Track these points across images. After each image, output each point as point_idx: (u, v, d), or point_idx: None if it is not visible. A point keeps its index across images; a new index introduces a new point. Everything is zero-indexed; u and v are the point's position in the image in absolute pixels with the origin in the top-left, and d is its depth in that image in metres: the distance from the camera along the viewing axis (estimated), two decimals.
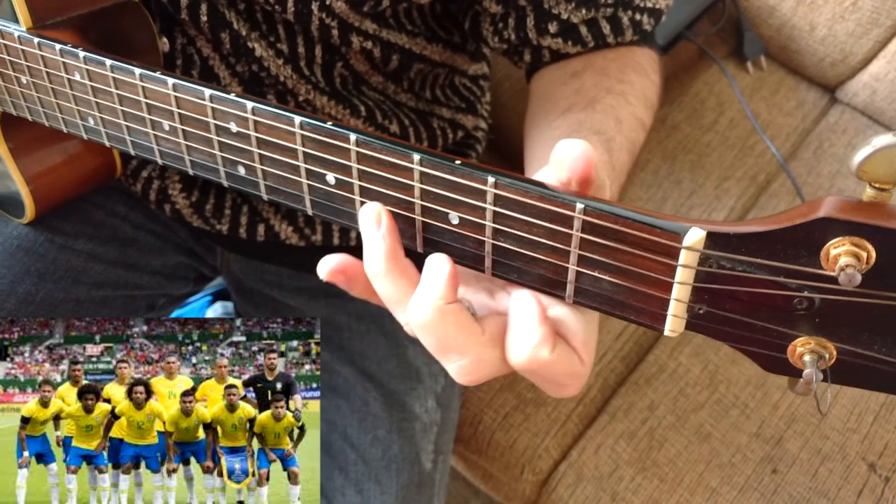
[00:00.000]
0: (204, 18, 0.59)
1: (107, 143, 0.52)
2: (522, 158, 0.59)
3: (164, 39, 0.60)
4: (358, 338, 0.77)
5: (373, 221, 0.37)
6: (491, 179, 0.35)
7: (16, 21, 0.52)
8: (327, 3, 0.57)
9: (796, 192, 1.01)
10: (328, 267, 0.39)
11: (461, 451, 0.89)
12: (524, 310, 0.35)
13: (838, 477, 0.83)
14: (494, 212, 0.35)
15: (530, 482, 0.84)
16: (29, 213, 0.65)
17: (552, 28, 0.60)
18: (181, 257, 0.77)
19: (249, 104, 0.41)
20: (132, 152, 0.50)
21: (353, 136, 0.38)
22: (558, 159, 0.35)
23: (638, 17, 0.60)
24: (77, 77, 0.50)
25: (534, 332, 0.35)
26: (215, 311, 1.00)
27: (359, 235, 0.72)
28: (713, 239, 0.31)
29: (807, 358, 0.32)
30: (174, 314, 1.00)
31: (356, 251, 0.74)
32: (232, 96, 0.42)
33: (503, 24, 0.62)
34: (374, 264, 0.37)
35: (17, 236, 0.67)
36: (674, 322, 0.34)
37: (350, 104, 0.66)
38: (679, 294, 0.33)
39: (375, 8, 0.59)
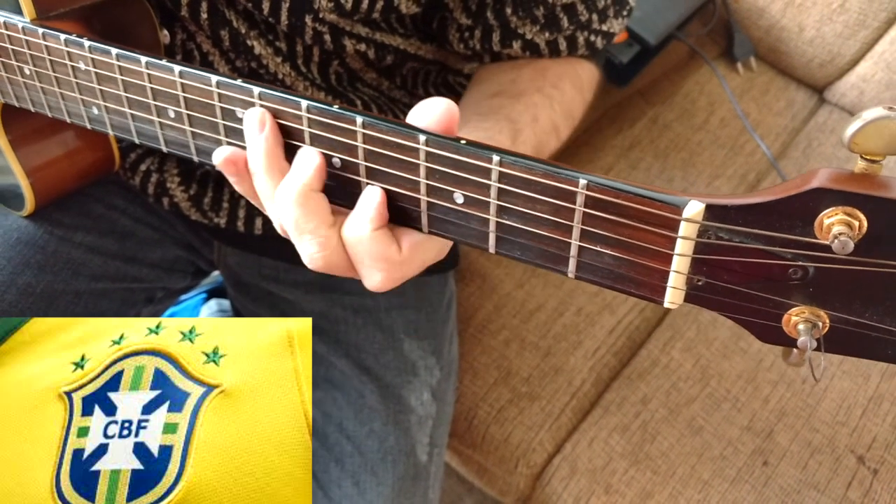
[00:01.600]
0: (204, 16, 0.60)
1: (111, 132, 0.52)
2: None
3: (165, 32, 0.61)
4: (354, 331, 0.78)
5: (256, 124, 0.42)
6: (496, 158, 0.36)
7: (19, 13, 0.53)
8: (320, 15, 0.58)
9: None
10: (223, 156, 0.44)
11: (455, 446, 0.90)
12: (368, 195, 0.41)
13: (828, 469, 0.84)
14: (499, 189, 0.36)
15: (524, 476, 0.85)
16: (28, 206, 0.65)
17: (516, 45, 0.62)
18: (179, 251, 0.77)
19: (256, 89, 0.42)
20: (136, 140, 0.51)
21: (359, 119, 0.39)
22: (428, 115, 0.39)
23: (592, 38, 0.63)
24: (81, 66, 0.50)
25: (368, 210, 0.40)
26: (210, 308, 1.00)
27: None
28: (712, 211, 0.32)
29: (801, 327, 0.33)
30: (168, 312, 1.00)
31: None
32: (238, 82, 0.43)
33: (469, 35, 0.64)
34: (256, 162, 0.43)
35: (16, 228, 0.67)
36: (673, 294, 0.35)
37: (346, 100, 0.67)
38: (678, 266, 0.34)
39: (366, 17, 0.60)
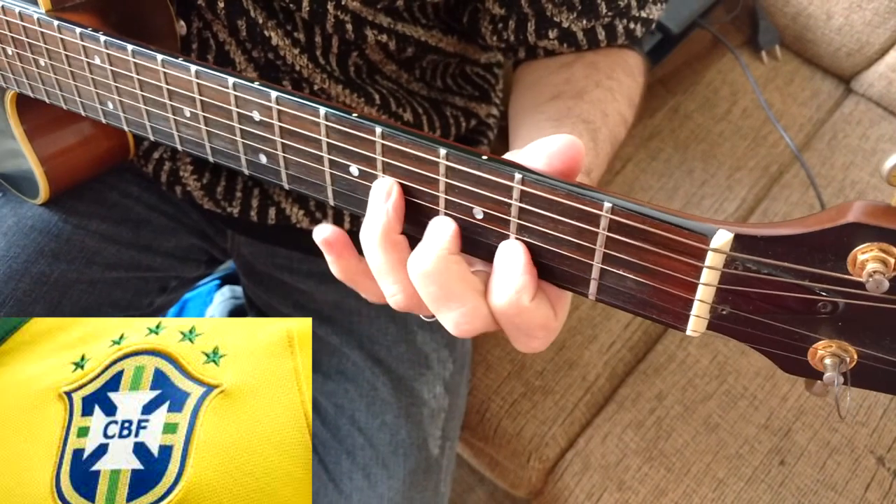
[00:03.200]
0: (221, 5, 0.59)
1: (126, 128, 0.52)
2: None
3: (182, 23, 0.60)
4: (367, 322, 0.78)
5: (383, 193, 0.39)
6: (518, 176, 0.35)
7: (34, 3, 0.52)
8: (342, 2, 0.57)
9: (810, 183, 1.00)
10: (324, 235, 0.41)
11: (468, 439, 0.90)
12: (512, 256, 0.37)
13: (846, 470, 0.83)
14: (520, 208, 0.36)
15: (537, 470, 0.85)
16: (43, 194, 0.65)
17: (552, 34, 0.61)
18: (193, 239, 0.77)
19: (274, 93, 0.41)
20: (151, 138, 0.50)
21: (378, 129, 0.38)
22: (548, 151, 0.36)
23: (632, 25, 0.61)
24: (97, 61, 0.49)
25: (518, 278, 0.36)
26: (223, 294, 1.00)
27: None
28: (740, 241, 0.31)
29: (828, 361, 0.32)
30: (183, 298, 1.00)
31: None
32: (256, 85, 0.42)
33: (503, 26, 0.62)
34: (372, 234, 0.39)
35: (31, 216, 0.67)
36: (696, 322, 0.34)
37: (365, 92, 0.65)
38: (703, 295, 0.33)
39: (390, 5, 0.59)
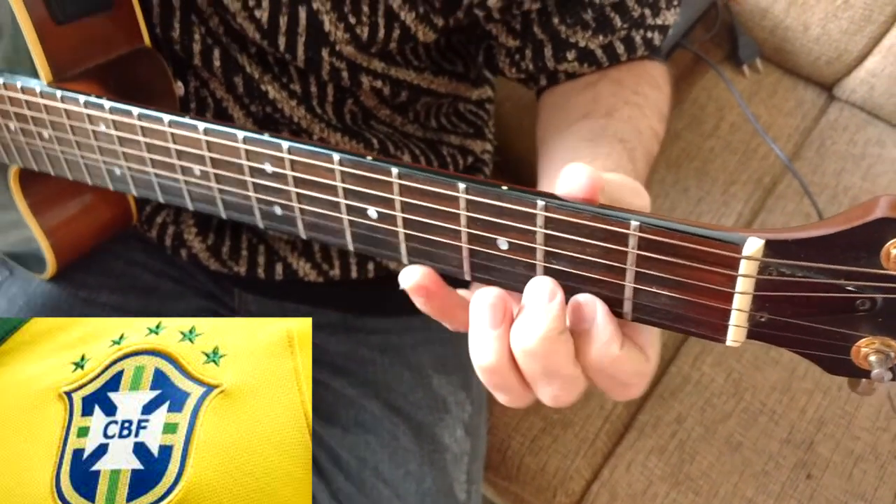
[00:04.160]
0: (217, 63, 0.59)
1: (134, 192, 0.52)
2: (528, 176, 0.59)
3: (179, 83, 0.60)
4: (382, 371, 0.77)
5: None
6: (541, 203, 0.35)
7: (35, 76, 0.52)
8: (337, 48, 0.57)
9: (804, 192, 1.01)
10: (413, 279, 0.38)
11: (491, 479, 0.89)
12: (592, 310, 0.36)
13: (873, 477, 0.82)
14: (546, 234, 0.36)
15: None
16: (50, 268, 0.65)
17: (570, 56, 0.60)
18: (201, 301, 0.77)
19: (286, 144, 0.41)
20: (161, 199, 0.50)
21: (395, 170, 0.38)
22: (567, 185, 0.35)
23: (649, 35, 0.61)
24: (102, 128, 0.50)
25: (603, 331, 0.35)
26: None
27: (377, 267, 0.72)
28: (772, 247, 0.31)
29: (872, 358, 0.32)
30: None
31: (375, 283, 0.74)
32: (266, 136, 0.42)
33: (520, 56, 0.62)
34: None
35: (41, 294, 0.67)
36: (735, 332, 0.34)
37: (363, 138, 0.66)
38: (740, 304, 0.33)
39: (383, 49, 0.60)
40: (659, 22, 0.61)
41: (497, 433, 0.86)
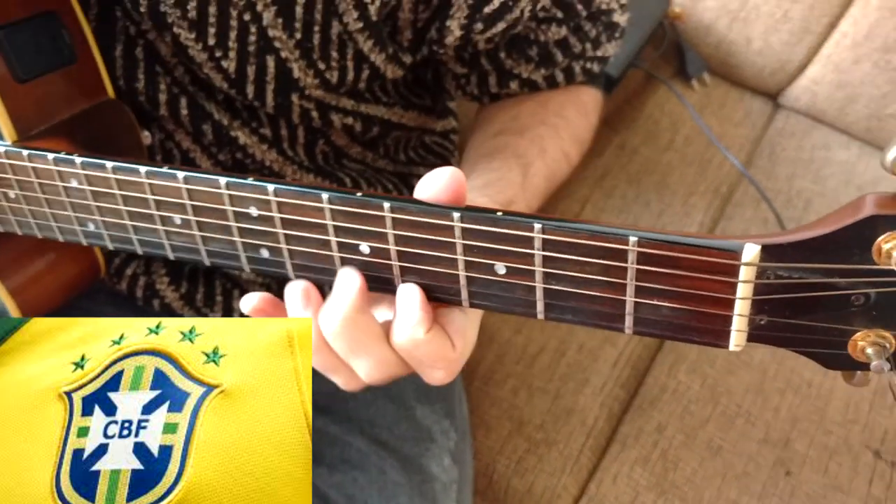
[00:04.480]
0: (185, 112, 0.59)
1: (110, 246, 0.51)
2: None
3: (146, 133, 0.60)
4: (364, 406, 0.76)
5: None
6: (538, 226, 0.36)
7: None
8: (306, 92, 0.58)
9: (760, 198, 1.05)
10: (251, 304, 0.45)
11: None
12: (407, 296, 0.40)
13: (848, 469, 0.84)
14: (544, 256, 0.36)
15: None
16: None
17: (513, 85, 0.63)
18: None
19: (271, 186, 0.41)
20: (140, 251, 0.49)
21: (386, 204, 0.39)
22: (434, 187, 0.39)
23: (588, 65, 0.64)
24: (74, 184, 0.49)
25: (413, 314, 0.40)
26: None
27: None
28: (768, 251, 0.32)
29: (869, 350, 0.33)
30: None
31: None
32: (249, 181, 0.42)
33: (466, 81, 0.65)
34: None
35: None
36: (737, 337, 0.35)
37: (336, 178, 0.66)
38: (741, 309, 0.34)
39: (352, 89, 0.60)
40: (599, 54, 0.64)
41: (482, 458, 0.86)
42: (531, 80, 0.63)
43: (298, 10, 0.54)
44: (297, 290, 0.42)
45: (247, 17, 0.53)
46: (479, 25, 0.57)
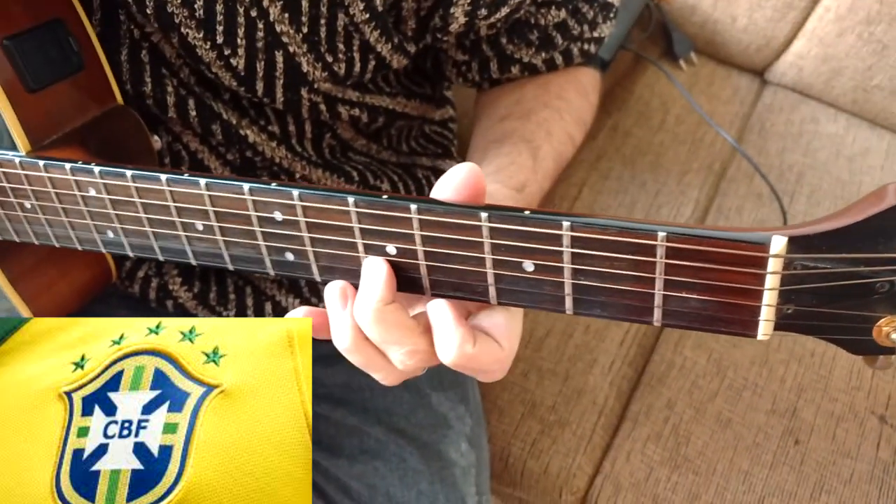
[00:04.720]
0: (193, 113, 0.59)
1: (130, 254, 0.51)
2: None
3: (157, 137, 0.60)
4: (380, 395, 0.77)
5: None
6: (566, 223, 0.36)
7: (13, 147, 0.51)
8: (315, 86, 0.58)
9: (753, 173, 1.05)
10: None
11: (496, 487, 0.90)
12: (441, 316, 0.40)
13: (855, 435, 0.86)
14: (573, 253, 0.37)
15: (570, 502, 0.85)
16: None
17: (514, 69, 0.64)
18: None
19: (295, 191, 0.41)
20: (161, 258, 0.50)
21: (413, 206, 0.39)
22: (453, 184, 0.39)
23: (586, 46, 0.65)
24: (92, 193, 0.49)
25: (454, 334, 0.40)
26: None
27: None
28: (795, 242, 0.33)
29: (894, 336, 0.34)
30: None
31: None
32: (273, 185, 0.42)
33: (467, 68, 0.65)
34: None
35: None
36: (765, 326, 0.35)
37: (343, 172, 0.66)
38: (769, 300, 0.34)
39: (358, 80, 0.61)
40: (596, 35, 0.65)
41: (497, 442, 0.87)
42: (532, 63, 0.64)
43: (304, 4, 0.54)
44: (334, 290, 0.43)
45: (254, 13, 0.53)
46: (483, 11, 0.58)
